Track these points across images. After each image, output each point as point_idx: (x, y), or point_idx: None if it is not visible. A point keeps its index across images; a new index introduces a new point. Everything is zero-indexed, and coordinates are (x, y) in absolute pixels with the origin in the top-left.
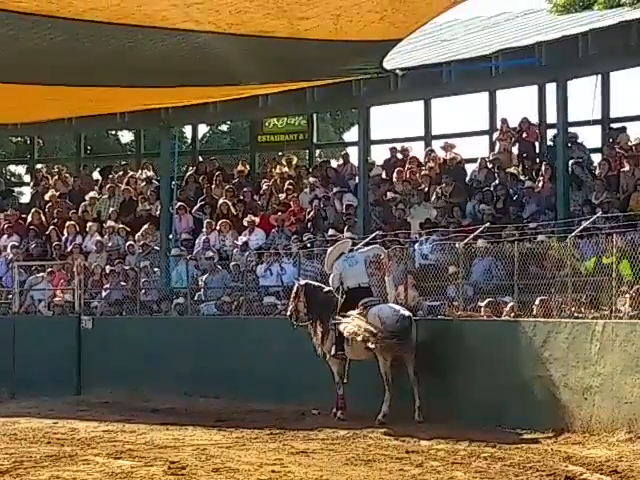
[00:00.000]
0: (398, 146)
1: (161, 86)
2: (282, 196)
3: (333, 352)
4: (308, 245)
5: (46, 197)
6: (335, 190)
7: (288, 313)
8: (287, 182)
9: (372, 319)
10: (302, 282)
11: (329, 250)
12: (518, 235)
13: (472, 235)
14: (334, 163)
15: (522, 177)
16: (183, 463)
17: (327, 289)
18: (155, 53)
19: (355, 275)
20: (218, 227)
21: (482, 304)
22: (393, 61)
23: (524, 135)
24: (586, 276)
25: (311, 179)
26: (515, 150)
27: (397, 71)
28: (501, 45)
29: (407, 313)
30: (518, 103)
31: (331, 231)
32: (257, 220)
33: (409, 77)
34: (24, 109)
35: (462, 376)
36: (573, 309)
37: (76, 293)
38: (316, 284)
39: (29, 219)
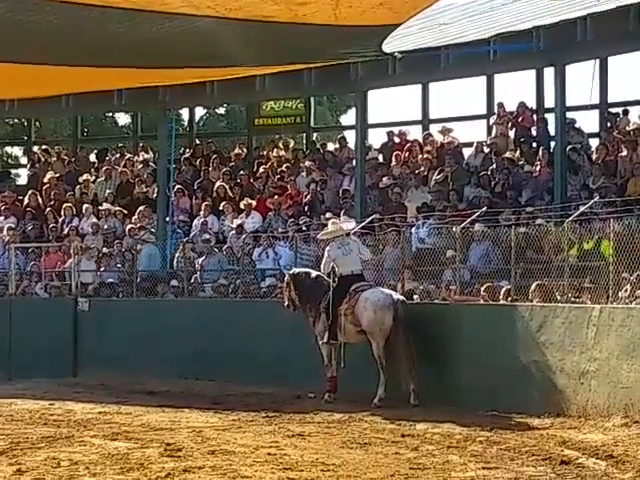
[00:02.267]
0: (395, 130)
1: (158, 67)
2: (279, 179)
3: (326, 339)
4: (304, 228)
5: (43, 179)
6: (331, 173)
7: (285, 304)
8: (284, 165)
9: (362, 303)
10: (290, 272)
11: (330, 227)
12: (515, 220)
13: (469, 219)
14: (331, 146)
15: (519, 162)
16: (179, 445)
17: (315, 274)
18: (153, 36)
19: (349, 263)
20: (215, 209)
21: (482, 288)
22: (391, 44)
23: (520, 119)
24: (583, 261)
25: (308, 162)
26: (512, 134)
27: (396, 54)
28: (499, 29)
29: (399, 297)
30: (516, 87)
31: (328, 214)
32: (254, 203)
33: (406, 61)
34: (21, 86)
35: (458, 360)
36: (570, 294)
37: (72, 275)
38: (304, 271)
39: (26, 201)
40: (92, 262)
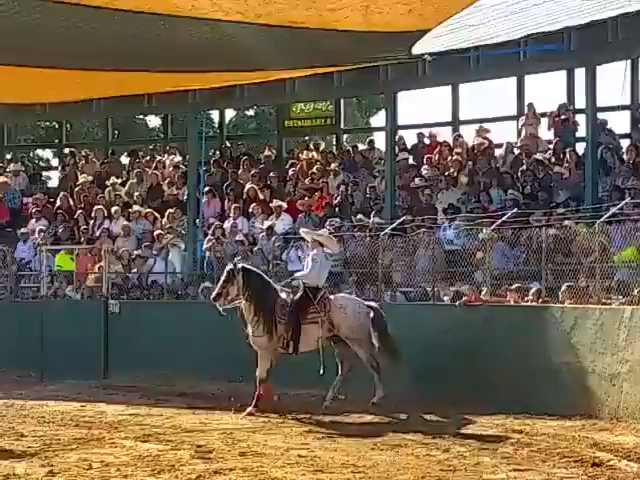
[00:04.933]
0: (425, 131)
1: (188, 71)
2: (309, 181)
3: (291, 350)
4: (334, 230)
5: (74, 181)
6: (362, 175)
7: (213, 295)
8: (314, 167)
9: (342, 310)
10: (239, 266)
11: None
12: (546, 221)
13: (499, 221)
14: (361, 148)
15: (550, 163)
16: (210, 447)
17: (267, 278)
18: (184, 41)
19: (323, 277)
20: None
21: (512, 288)
22: (420, 46)
23: (553, 121)
24: (614, 263)
25: (338, 164)
26: (543, 136)
27: (426, 56)
28: (529, 30)
29: (372, 304)
30: (546, 88)
31: (359, 216)
32: (284, 205)
33: (436, 62)
34: (54, 90)
35: (490, 362)
36: (601, 295)
37: (104, 277)
38: (255, 270)
39: (57, 203)
40: (122, 264)
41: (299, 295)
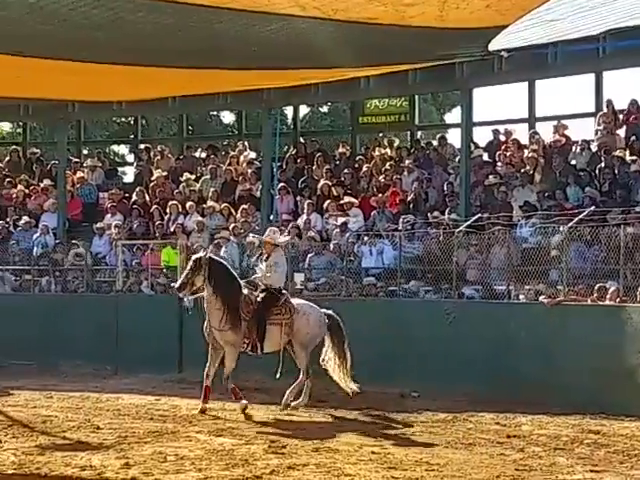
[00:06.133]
0: (501, 128)
1: (263, 68)
2: (382, 178)
3: (256, 350)
4: (409, 227)
5: (149, 177)
6: (436, 171)
7: (178, 284)
8: (387, 163)
9: (304, 317)
10: (207, 255)
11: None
12: (624, 219)
13: (576, 219)
14: (435, 144)
15: (629, 160)
16: (284, 442)
17: (234, 272)
18: (259, 38)
19: (284, 278)
20: (318, 208)
21: (595, 288)
22: (497, 42)
23: (632, 118)
24: None
25: (412, 160)
26: (622, 132)
27: (503, 53)
28: (609, 25)
29: (330, 312)
30: (626, 85)
31: (434, 213)
32: (357, 201)
33: (513, 58)
34: (129, 88)
35: (565, 361)
36: None
37: (178, 272)
38: (222, 261)
39: (133, 198)
40: None
41: (264, 294)
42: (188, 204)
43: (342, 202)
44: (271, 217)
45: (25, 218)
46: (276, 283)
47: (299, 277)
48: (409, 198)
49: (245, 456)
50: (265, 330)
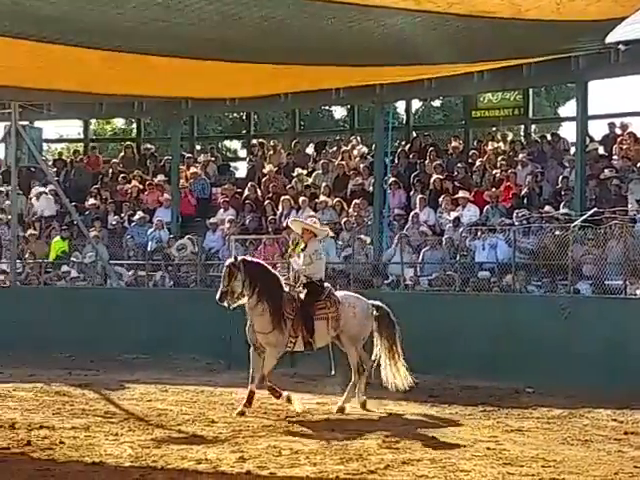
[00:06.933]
0: (617, 121)
1: (375, 65)
2: (496, 172)
3: (314, 348)
4: (524, 222)
5: (262, 172)
6: (550, 165)
7: (218, 296)
8: (500, 157)
9: (345, 309)
10: (239, 258)
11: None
12: None
13: None
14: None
15: None
16: (397, 437)
17: (271, 270)
18: (373, 34)
19: (323, 269)
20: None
21: None
22: (614, 34)
23: None
24: None
25: (526, 154)
26: None
27: (620, 46)
28: None
29: (378, 304)
30: None
31: (547, 207)
32: (470, 196)
33: (630, 51)
34: (244, 85)
35: None
36: None
37: (291, 267)
38: (258, 261)
39: (245, 193)
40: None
41: (307, 290)
42: (301, 199)
43: (456, 197)
44: (383, 211)
45: (139, 213)
46: (316, 273)
47: (408, 273)
48: (523, 192)
49: (359, 451)
50: (313, 326)
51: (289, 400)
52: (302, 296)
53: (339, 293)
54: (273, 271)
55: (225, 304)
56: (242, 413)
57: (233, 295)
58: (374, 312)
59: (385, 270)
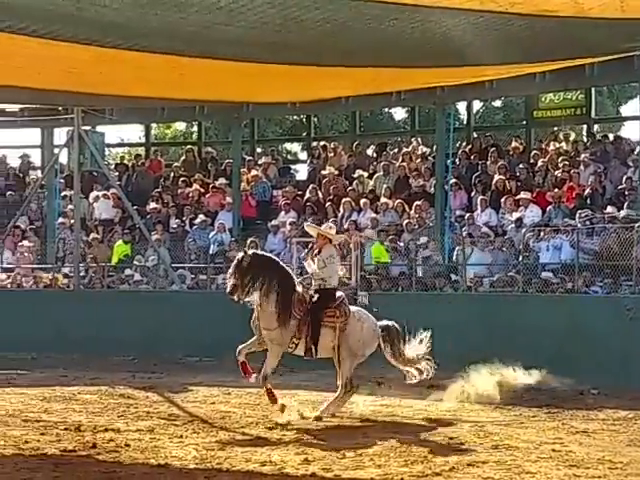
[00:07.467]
0: None
1: (438, 66)
2: (558, 172)
3: (314, 356)
4: (587, 222)
5: (323, 174)
6: (613, 165)
7: (228, 289)
8: (562, 157)
9: (354, 322)
10: (249, 252)
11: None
12: None
13: None
14: (611, 138)
15: None
16: (462, 439)
17: (283, 265)
18: (435, 35)
19: (337, 276)
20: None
21: None
22: None
23: None
24: None
25: (589, 154)
26: None
27: None
28: None
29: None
30: None
31: (609, 208)
32: (532, 196)
33: None
34: (305, 89)
35: None
36: None
37: (352, 269)
38: (270, 256)
39: (306, 195)
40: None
41: (320, 294)
42: (362, 201)
43: (518, 197)
44: (445, 213)
45: (201, 217)
46: (330, 279)
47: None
48: (585, 193)
49: (424, 452)
50: (319, 333)
51: (282, 409)
52: (314, 300)
53: (353, 308)
54: (285, 267)
55: (235, 298)
56: (282, 409)
57: (244, 289)
58: (380, 333)
59: (449, 272)
